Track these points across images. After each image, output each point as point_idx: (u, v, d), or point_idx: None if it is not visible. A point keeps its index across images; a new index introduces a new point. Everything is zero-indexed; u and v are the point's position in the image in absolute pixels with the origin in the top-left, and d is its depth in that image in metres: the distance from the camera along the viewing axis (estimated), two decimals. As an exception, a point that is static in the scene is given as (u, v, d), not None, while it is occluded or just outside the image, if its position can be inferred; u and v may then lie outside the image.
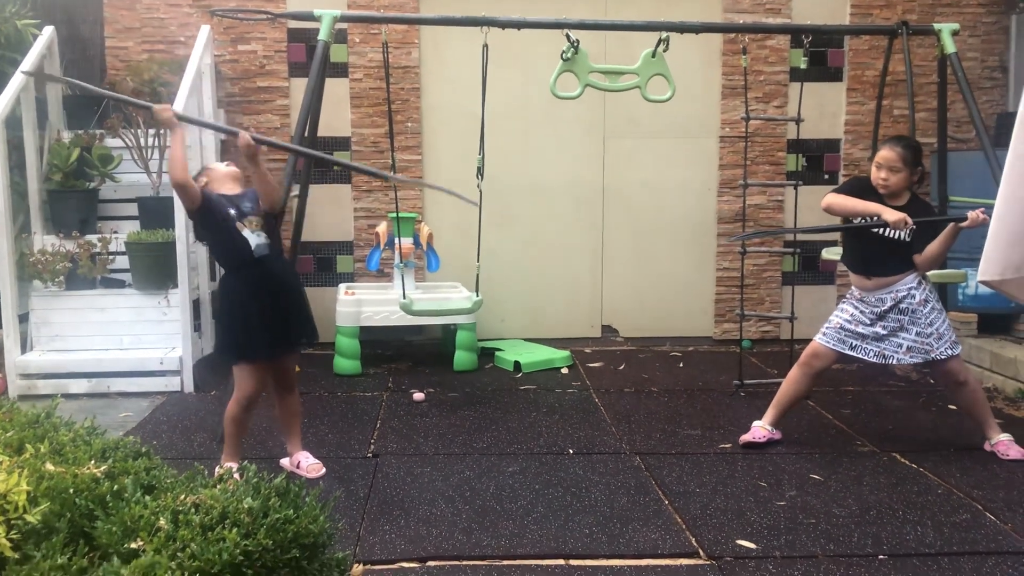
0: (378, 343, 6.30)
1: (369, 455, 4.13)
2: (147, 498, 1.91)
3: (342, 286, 6.08)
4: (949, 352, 4.02)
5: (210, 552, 1.73)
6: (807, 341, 4.36)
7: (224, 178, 3.73)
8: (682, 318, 6.65)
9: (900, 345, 4.04)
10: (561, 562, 3.06)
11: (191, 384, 5.20)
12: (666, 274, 6.62)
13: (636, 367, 5.93)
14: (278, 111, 6.28)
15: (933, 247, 3.98)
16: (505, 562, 3.04)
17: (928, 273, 4.15)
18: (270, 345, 3.66)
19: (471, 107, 5.27)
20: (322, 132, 5.87)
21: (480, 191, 4.97)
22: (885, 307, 4.03)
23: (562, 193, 6.50)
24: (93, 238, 5.43)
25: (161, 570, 1.68)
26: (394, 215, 5.48)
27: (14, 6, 5.81)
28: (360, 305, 5.66)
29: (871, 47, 6.42)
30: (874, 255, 4.05)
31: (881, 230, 3.99)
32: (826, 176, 6.56)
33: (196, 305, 5.53)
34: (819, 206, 4.21)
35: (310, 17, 4.92)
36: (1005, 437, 4.14)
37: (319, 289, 6.41)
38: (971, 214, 3.87)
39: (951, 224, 3.95)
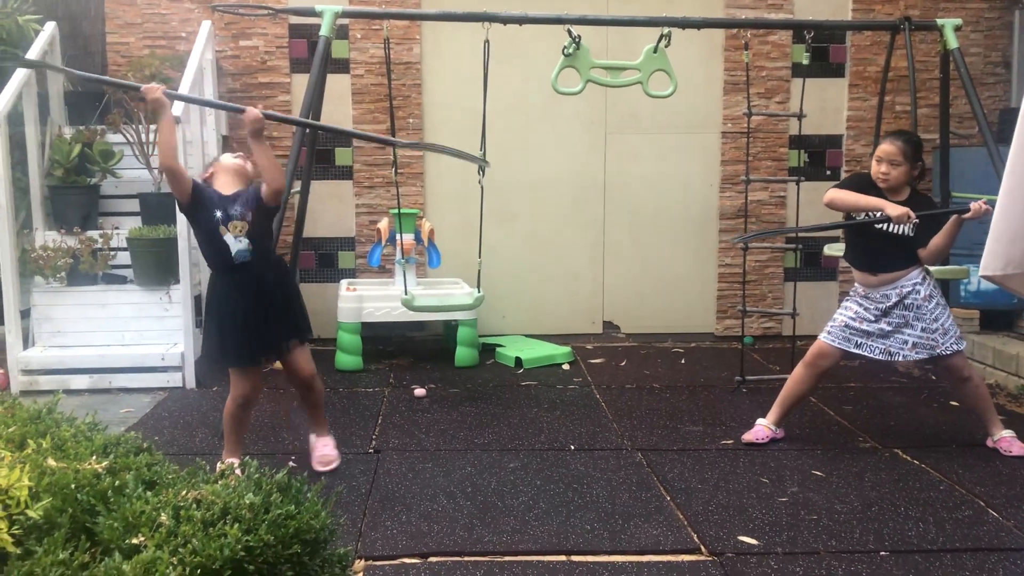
0: (380, 339, 6.30)
1: (371, 451, 4.14)
2: (148, 494, 1.90)
3: (344, 282, 6.08)
4: (954, 347, 4.02)
5: (211, 548, 1.73)
6: (809, 337, 4.36)
7: (229, 171, 3.65)
8: (684, 314, 6.65)
9: (906, 342, 4.04)
10: (563, 558, 3.06)
11: (193, 380, 5.20)
12: (668, 270, 6.62)
13: (637, 363, 5.93)
14: (280, 107, 6.27)
15: (937, 240, 3.97)
16: (507, 558, 3.04)
17: (931, 269, 4.15)
18: (250, 351, 3.61)
19: (472, 103, 5.27)
20: (323, 128, 5.88)
21: (482, 187, 4.97)
22: (890, 303, 4.02)
23: (563, 189, 6.49)
24: (95, 234, 5.43)
25: (162, 566, 1.68)
26: (396, 211, 5.48)
27: (16, 2, 5.80)
28: (362, 301, 5.66)
29: (873, 43, 6.41)
30: (877, 251, 4.04)
31: (884, 225, 3.98)
32: (828, 172, 6.55)
33: (198, 301, 5.53)
34: (821, 202, 4.21)
35: (311, 13, 4.92)
36: (1008, 433, 4.14)
37: (321, 285, 6.41)
38: (973, 205, 3.87)
39: (954, 216, 3.94)
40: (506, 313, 6.54)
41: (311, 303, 6.37)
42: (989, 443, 4.17)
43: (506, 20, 4.89)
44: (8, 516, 1.75)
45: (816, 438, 4.34)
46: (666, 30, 4.87)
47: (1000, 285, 3.55)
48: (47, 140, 5.70)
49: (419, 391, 5.12)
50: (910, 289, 4.00)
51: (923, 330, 4.01)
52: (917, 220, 3.91)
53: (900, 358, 4.09)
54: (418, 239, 5.92)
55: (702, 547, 3.13)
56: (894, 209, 3.87)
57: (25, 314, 5.30)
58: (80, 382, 5.13)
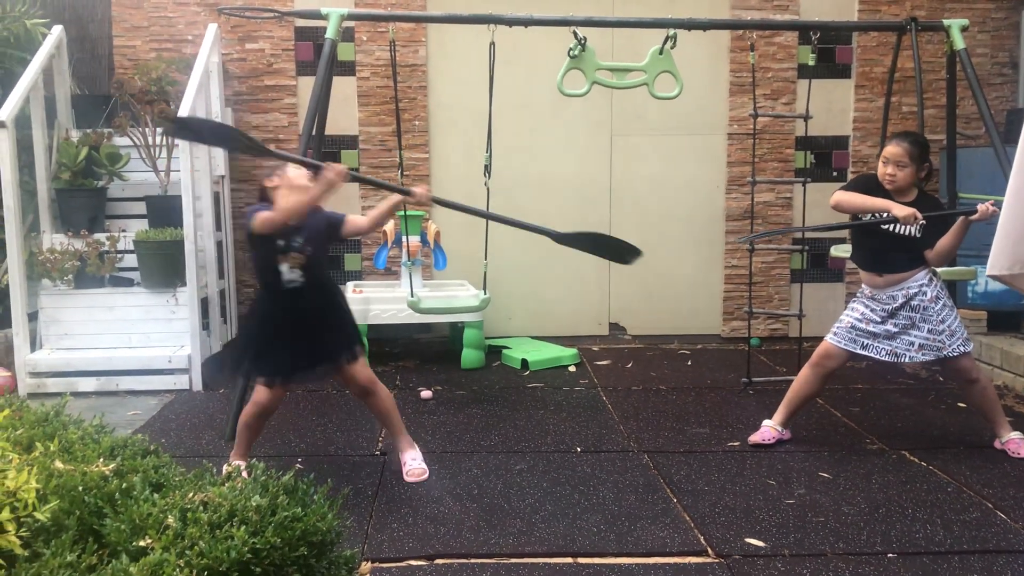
0: (386, 341, 6.31)
1: (377, 453, 4.14)
2: (155, 496, 1.91)
3: (350, 284, 6.09)
4: (961, 349, 4.00)
5: (218, 550, 1.73)
6: (816, 339, 4.35)
7: (297, 184, 3.54)
8: (690, 316, 6.64)
9: (912, 343, 4.02)
10: (569, 560, 3.05)
11: (199, 382, 5.21)
12: (674, 272, 6.61)
13: (644, 365, 5.92)
14: (285, 109, 6.29)
15: (945, 241, 3.95)
16: (513, 560, 3.04)
17: (938, 270, 4.13)
18: (284, 370, 3.61)
19: (478, 105, 5.28)
20: (330, 130, 5.89)
21: (488, 189, 4.98)
22: (896, 304, 4.01)
23: (569, 190, 6.49)
24: (102, 237, 5.45)
25: (169, 568, 1.68)
26: (402, 213, 5.49)
27: (23, 6, 5.83)
28: (368, 303, 5.66)
29: (879, 43, 6.40)
30: (884, 252, 4.03)
31: (891, 227, 3.97)
32: (835, 173, 6.53)
33: (204, 303, 5.55)
34: (827, 203, 4.20)
35: (317, 15, 4.92)
36: (1016, 435, 4.12)
37: (327, 287, 6.41)
38: (981, 207, 3.85)
39: (961, 218, 3.93)
40: (512, 315, 6.54)
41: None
42: (997, 445, 4.16)
43: (511, 22, 4.89)
44: (16, 518, 1.75)
45: (823, 440, 4.33)
46: (672, 31, 4.86)
47: (1007, 284, 3.55)
48: (54, 143, 5.72)
49: (425, 393, 5.13)
50: (916, 290, 3.99)
51: (929, 332, 3.99)
52: (924, 221, 3.90)
53: (906, 359, 4.08)
54: (424, 241, 5.93)
55: (709, 549, 3.12)
56: (901, 210, 3.86)
57: (32, 317, 5.32)
58: (87, 384, 5.14)
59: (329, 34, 4.82)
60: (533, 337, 6.45)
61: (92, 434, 2.31)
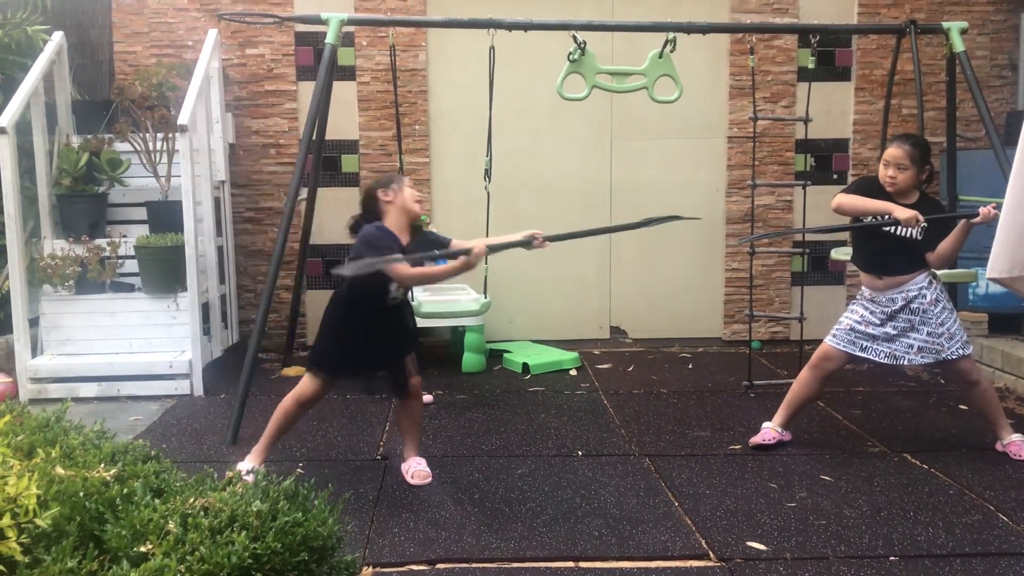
0: (387, 345, 6.30)
1: (378, 457, 4.14)
2: (156, 501, 1.91)
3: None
4: (960, 352, 4.00)
5: (219, 555, 1.73)
6: (817, 342, 4.35)
7: (408, 212, 3.60)
8: (691, 319, 6.64)
9: (911, 346, 4.02)
10: (571, 564, 3.05)
11: (201, 387, 5.21)
12: (675, 275, 6.61)
13: (645, 368, 5.92)
14: (286, 114, 6.30)
15: (946, 244, 3.95)
16: (514, 564, 3.03)
17: (938, 273, 4.13)
18: (354, 373, 3.71)
19: (478, 109, 5.28)
20: (330, 135, 5.91)
21: (488, 193, 4.98)
22: (896, 307, 4.01)
23: (570, 194, 6.49)
24: (102, 242, 5.45)
25: (170, 573, 1.68)
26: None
27: (24, 12, 5.84)
28: (368, 308, 5.65)
29: (879, 46, 6.40)
30: (885, 254, 4.03)
31: (892, 229, 3.97)
32: (835, 176, 6.53)
33: (205, 308, 5.55)
34: (828, 206, 4.20)
35: (317, 20, 4.93)
36: (1017, 437, 4.12)
37: (328, 292, 6.36)
38: (982, 210, 3.85)
39: (963, 221, 3.93)
40: (513, 319, 6.54)
41: (318, 310, 6.40)
42: (998, 447, 4.15)
43: (511, 26, 4.90)
44: (17, 524, 1.75)
45: (825, 443, 4.33)
46: (671, 35, 4.87)
47: (1007, 287, 3.55)
48: (55, 149, 5.73)
49: (426, 397, 5.12)
50: (916, 293, 3.99)
51: (929, 334, 3.99)
52: (926, 224, 3.90)
53: (905, 362, 4.07)
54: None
55: (710, 553, 3.12)
56: (902, 212, 3.86)
57: (33, 322, 5.32)
58: (88, 390, 5.14)
59: (329, 39, 4.83)
60: (534, 341, 6.45)
61: (93, 440, 2.31)
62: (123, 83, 5.85)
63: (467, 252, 3.47)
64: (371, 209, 3.62)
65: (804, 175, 6.27)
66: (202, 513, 1.86)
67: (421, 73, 6.31)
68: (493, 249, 3.66)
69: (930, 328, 3.99)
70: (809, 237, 6.00)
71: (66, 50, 5.89)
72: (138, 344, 5.35)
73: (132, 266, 5.49)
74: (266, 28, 6.15)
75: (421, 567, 3.02)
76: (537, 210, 6.46)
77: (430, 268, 3.66)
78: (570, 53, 4.84)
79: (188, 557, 1.73)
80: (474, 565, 3.02)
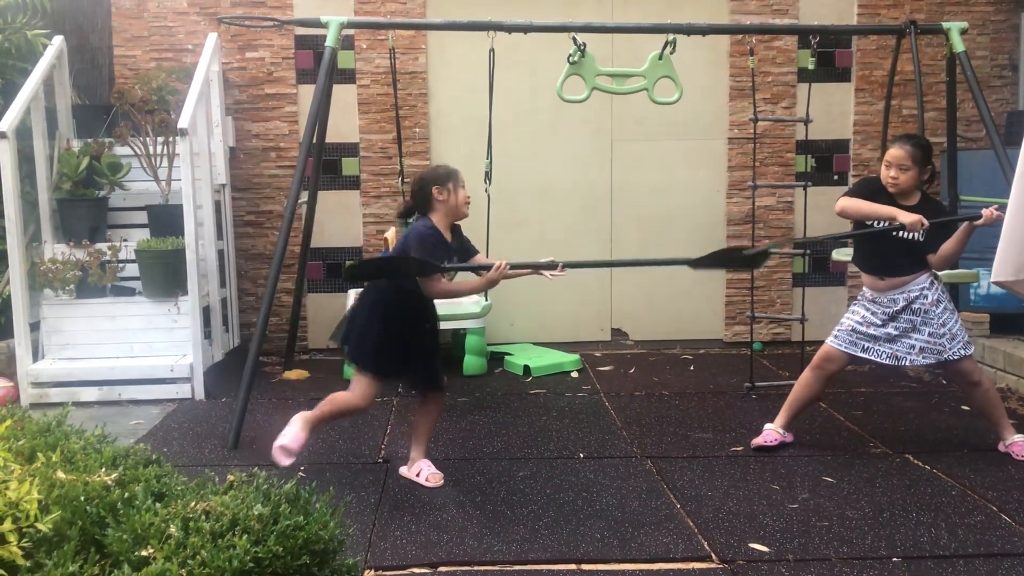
0: (388, 348, 6.29)
1: (380, 460, 4.13)
2: (157, 505, 1.91)
3: (351, 292, 6.09)
4: (962, 352, 4.00)
5: (220, 559, 1.73)
6: (818, 343, 4.34)
7: (459, 211, 3.72)
8: (692, 321, 6.64)
9: (913, 346, 4.02)
10: (573, 567, 3.04)
11: (202, 391, 5.21)
12: (676, 276, 6.60)
13: (646, 370, 5.91)
14: (286, 118, 6.30)
15: (948, 246, 3.95)
16: (516, 567, 3.03)
17: (940, 273, 4.13)
18: (396, 370, 3.74)
19: (478, 111, 5.28)
20: (330, 138, 5.91)
21: (488, 195, 4.98)
22: (897, 308, 4.01)
23: (570, 196, 6.49)
24: (103, 246, 5.45)
25: (171, 577, 1.68)
26: (403, 221, 5.49)
27: (24, 17, 5.84)
28: (369, 310, 5.65)
29: (879, 47, 6.40)
30: (888, 256, 4.03)
31: (896, 231, 3.97)
32: (835, 177, 6.53)
33: (206, 312, 5.55)
34: (829, 207, 4.20)
35: (317, 24, 4.93)
36: (1020, 438, 4.11)
37: (329, 295, 6.42)
38: (985, 212, 3.85)
39: (966, 223, 3.93)
40: (514, 321, 6.53)
41: (319, 314, 6.42)
42: (1001, 447, 4.15)
43: (511, 29, 4.90)
44: (18, 529, 1.75)
45: (827, 444, 4.33)
46: (671, 37, 4.87)
47: (1011, 291, 3.54)
48: (55, 153, 5.73)
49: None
50: (917, 294, 3.99)
51: (930, 335, 3.99)
52: (929, 226, 3.89)
53: (907, 363, 4.07)
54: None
55: (713, 555, 3.11)
56: (908, 217, 3.85)
57: (34, 327, 5.32)
58: (89, 394, 5.14)
59: (329, 42, 4.83)
60: (535, 343, 6.45)
61: (94, 444, 2.31)
62: (123, 87, 5.86)
63: (488, 268, 3.57)
64: (422, 200, 3.69)
65: (805, 176, 6.27)
66: (203, 517, 1.86)
67: (421, 76, 6.31)
68: (514, 266, 3.66)
69: (932, 329, 3.99)
70: (818, 241, 5.98)
71: (66, 54, 5.89)
72: (139, 348, 5.35)
73: (133, 270, 5.49)
74: (266, 31, 6.15)
75: (423, 570, 3.02)
76: (537, 212, 6.46)
77: (457, 284, 3.73)
78: (570, 55, 4.84)
79: (189, 561, 1.73)
80: (476, 568, 3.02)
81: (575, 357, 6.00)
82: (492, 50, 4.80)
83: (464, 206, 3.72)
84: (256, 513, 1.87)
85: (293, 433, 3.62)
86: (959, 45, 4.99)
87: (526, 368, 5.79)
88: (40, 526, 1.78)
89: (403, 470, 3.92)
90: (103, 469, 2.06)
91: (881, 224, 3.98)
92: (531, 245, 6.49)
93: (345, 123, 6.25)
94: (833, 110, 6.47)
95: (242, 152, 6.28)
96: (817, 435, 4.45)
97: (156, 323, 5.35)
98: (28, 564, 1.73)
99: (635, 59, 5.23)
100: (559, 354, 6.06)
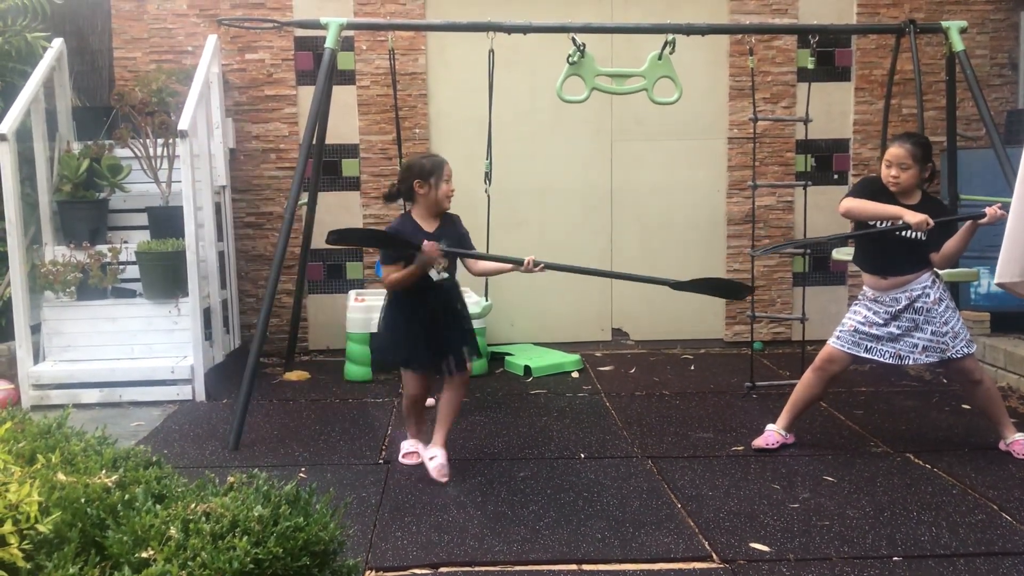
0: (388, 349, 6.29)
1: (380, 461, 4.13)
2: (158, 507, 1.90)
3: (352, 293, 6.10)
4: (965, 351, 4.00)
5: (220, 561, 1.73)
6: (819, 342, 4.34)
7: (441, 203, 3.83)
8: (693, 320, 6.63)
9: (915, 345, 4.02)
10: (574, 567, 3.05)
11: (203, 393, 5.21)
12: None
13: (647, 370, 5.91)
14: (286, 119, 6.30)
15: (952, 244, 3.95)
16: (517, 567, 3.03)
17: (941, 272, 4.13)
18: (423, 357, 3.87)
19: (478, 112, 5.28)
20: (330, 139, 5.92)
21: (488, 196, 4.98)
22: (900, 307, 4.00)
23: (570, 196, 6.49)
24: (103, 248, 5.46)
25: (172, 579, 1.68)
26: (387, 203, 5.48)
27: (24, 19, 5.85)
28: (370, 311, 5.65)
29: (878, 46, 6.40)
30: (890, 255, 4.02)
31: (899, 231, 3.96)
32: (835, 176, 6.53)
33: (207, 314, 5.55)
34: (829, 206, 4.20)
35: (317, 25, 4.94)
36: (1020, 436, 4.11)
37: (329, 296, 6.43)
38: (989, 210, 3.84)
39: (969, 221, 3.92)
40: (515, 321, 6.53)
41: (319, 314, 6.42)
42: (1002, 446, 4.15)
43: (510, 29, 4.90)
44: (18, 531, 1.75)
45: (827, 443, 4.32)
46: (670, 37, 4.87)
47: (1012, 292, 3.53)
48: (55, 155, 5.73)
49: (428, 401, 5.11)
50: (920, 293, 3.99)
51: (933, 334, 3.99)
52: (932, 225, 3.88)
53: (910, 362, 4.07)
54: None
55: (713, 555, 3.12)
56: (913, 217, 3.85)
57: (35, 329, 5.32)
58: (90, 396, 5.15)
59: (328, 43, 4.83)
60: (536, 343, 6.45)
61: (95, 446, 2.31)
62: (123, 89, 5.87)
63: (520, 262, 3.75)
64: (406, 190, 3.83)
65: (805, 175, 6.27)
66: (204, 518, 1.86)
67: (421, 77, 6.32)
68: (449, 253, 3.83)
69: (934, 327, 3.99)
70: (821, 242, 5.97)
71: (66, 57, 5.90)
72: (140, 350, 5.35)
73: (133, 272, 5.49)
74: (266, 33, 6.15)
75: (424, 571, 3.02)
76: (537, 213, 6.46)
77: (409, 271, 3.75)
78: (569, 55, 4.84)
79: (190, 563, 1.73)
80: (477, 568, 3.02)
81: (576, 357, 6.00)
82: (492, 51, 4.80)
83: (445, 200, 3.84)
84: (256, 514, 1.86)
85: (408, 447, 4.10)
86: (958, 44, 4.99)
87: (527, 368, 5.79)
88: (40, 528, 1.78)
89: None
90: (103, 471, 2.06)
91: (885, 224, 3.98)
92: (531, 246, 6.44)
93: (345, 124, 6.25)
94: (833, 109, 6.47)
95: (242, 153, 6.29)
96: (818, 434, 4.45)
97: (157, 325, 5.36)
98: (28, 566, 1.73)
99: (635, 59, 5.23)
100: (560, 354, 6.06)
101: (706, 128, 6.49)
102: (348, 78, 6.27)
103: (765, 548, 3.16)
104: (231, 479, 2.11)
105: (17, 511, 1.78)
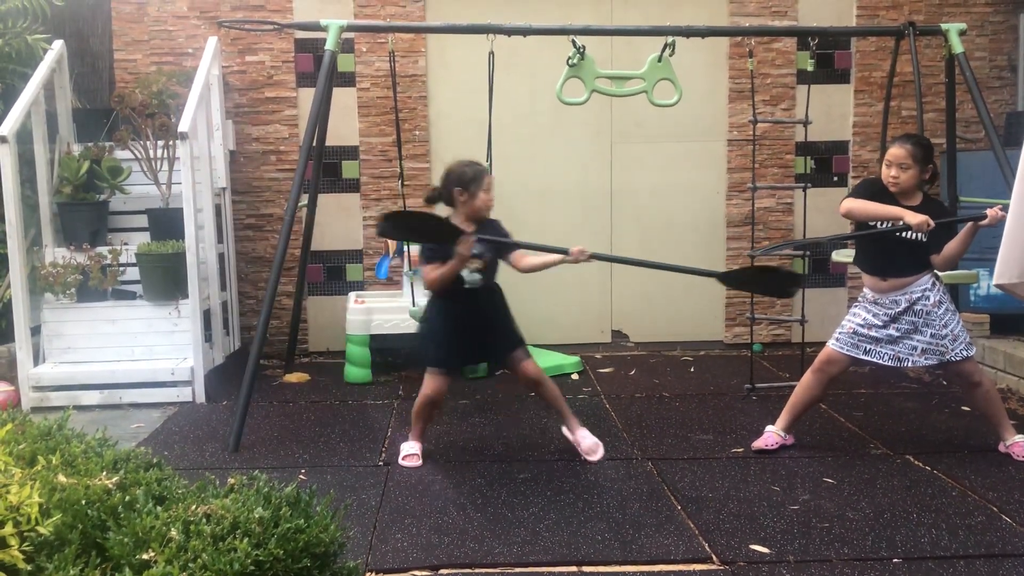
0: (388, 351, 6.29)
1: (380, 463, 4.13)
2: (158, 509, 1.91)
3: (352, 294, 6.10)
4: (964, 353, 4.00)
5: (221, 562, 1.73)
6: (818, 344, 4.34)
7: (480, 212, 3.90)
8: (692, 322, 6.64)
9: (915, 347, 4.02)
10: (574, 569, 3.05)
11: (203, 394, 5.21)
12: (676, 278, 6.55)
13: (647, 372, 5.92)
14: (286, 121, 6.31)
15: (952, 246, 3.95)
16: (517, 569, 3.03)
17: (940, 274, 4.13)
18: (451, 359, 4.02)
19: (478, 114, 5.29)
20: (330, 141, 5.92)
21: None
22: (899, 309, 4.00)
23: (570, 198, 6.49)
24: (104, 250, 5.46)
25: (172, 581, 1.68)
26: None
27: (24, 21, 5.85)
28: (370, 313, 5.66)
29: (878, 48, 6.40)
30: (891, 257, 4.02)
31: (900, 232, 3.97)
32: (835, 178, 6.54)
33: (207, 315, 5.55)
34: (829, 208, 4.21)
35: (317, 27, 4.94)
36: (1020, 438, 4.11)
37: (329, 298, 6.43)
38: (990, 212, 3.85)
39: (970, 223, 3.93)
40: (514, 323, 6.52)
41: (319, 316, 6.42)
42: (1001, 448, 4.15)
43: (510, 31, 4.90)
44: (19, 533, 1.75)
45: (827, 445, 4.33)
46: (670, 39, 4.87)
47: (1011, 293, 3.54)
48: (56, 157, 5.74)
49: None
50: (919, 295, 3.99)
51: (932, 336, 3.99)
52: (933, 226, 3.88)
53: (909, 364, 4.07)
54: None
55: (713, 556, 3.12)
56: (914, 218, 3.85)
57: (35, 331, 5.32)
58: (91, 398, 5.14)
59: (329, 45, 4.83)
60: (535, 345, 6.43)
61: (95, 447, 2.31)
62: (123, 91, 5.87)
63: (565, 251, 3.86)
64: (447, 195, 3.91)
65: (804, 177, 6.27)
66: (204, 520, 1.86)
67: (421, 78, 6.32)
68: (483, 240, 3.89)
69: (934, 330, 3.99)
70: (820, 242, 5.98)
71: (66, 59, 5.90)
72: (140, 352, 5.35)
73: (133, 274, 5.49)
74: (266, 35, 6.16)
75: (424, 572, 3.02)
76: (537, 214, 6.46)
77: (449, 267, 3.83)
78: (569, 57, 4.84)
79: (190, 564, 1.73)
80: (477, 570, 3.02)
81: (575, 359, 6.00)
82: (492, 53, 4.81)
83: (485, 209, 3.93)
84: (257, 516, 1.87)
85: (408, 449, 4.10)
86: (958, 46, 5.00)
87: (527, 370, 5.78)
88: (41, 530, 1.78)
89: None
90: (104, 473, 2.06)
91: (886, 225, 3.98)
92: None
93: (345, 126, 6.25)
94: (832, 111, 6.47)
95: (242, 155, 6.29)
96: (817, 436, 4.45)
97: (157, 326, 5.36)
98: (29, 568, 1.73)
99: (634, 61, 5.23)
100: (559, 356, 6.06)
101: (706, 130, 6.50)
102: (348, 80, 6.28)
103: (765, 550, 3.16)
104: (231, 481, 2.12)
105: (18, 513, 1.78)
